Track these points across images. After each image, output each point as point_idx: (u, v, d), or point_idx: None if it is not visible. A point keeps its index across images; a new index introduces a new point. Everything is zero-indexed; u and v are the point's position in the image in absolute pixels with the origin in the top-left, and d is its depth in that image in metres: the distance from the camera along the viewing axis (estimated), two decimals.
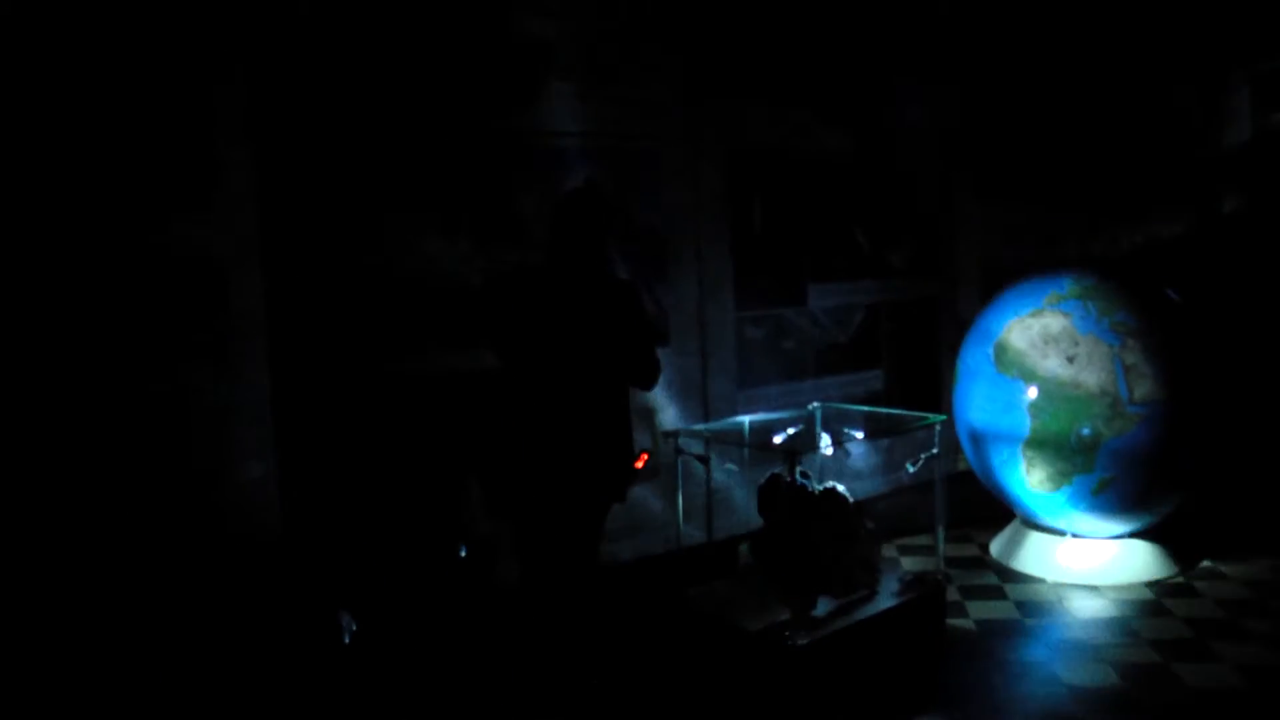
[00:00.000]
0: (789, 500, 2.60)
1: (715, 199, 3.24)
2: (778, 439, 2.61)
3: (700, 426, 2.91)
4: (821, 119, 3.40)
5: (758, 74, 3.26)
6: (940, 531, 2.74)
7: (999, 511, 3.43)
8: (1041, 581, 3.19)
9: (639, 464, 2.38)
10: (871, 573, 2.72)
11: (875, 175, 3.56)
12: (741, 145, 3.25)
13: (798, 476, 2.66)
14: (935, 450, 2.70)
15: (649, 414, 3.14)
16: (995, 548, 3.43)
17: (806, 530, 2.58)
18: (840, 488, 2.74)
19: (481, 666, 2.49)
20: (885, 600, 2.64)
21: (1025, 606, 3.02)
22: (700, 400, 3.27)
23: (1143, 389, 2.99)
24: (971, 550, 3.46)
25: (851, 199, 3.53)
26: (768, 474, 2.66)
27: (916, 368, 3.64)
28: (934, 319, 3.80)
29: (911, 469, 2.74)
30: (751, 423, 2.76)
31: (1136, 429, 2.98)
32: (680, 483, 2.65)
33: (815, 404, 2.88)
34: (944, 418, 2.69)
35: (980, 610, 3.00)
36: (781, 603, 2.56)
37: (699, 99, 3.14)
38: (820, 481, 2.73)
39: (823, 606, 2.59)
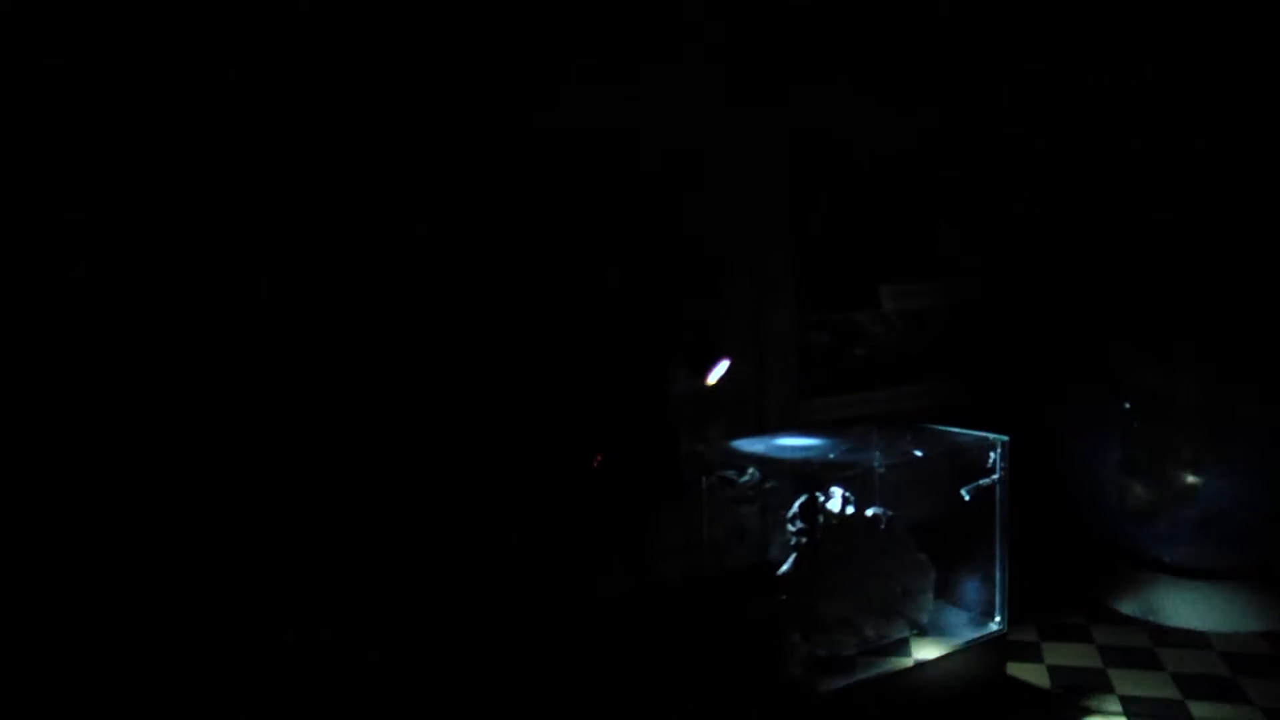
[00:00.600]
0: (822, 525, 2.35)
1: (773, 191, 2.99)
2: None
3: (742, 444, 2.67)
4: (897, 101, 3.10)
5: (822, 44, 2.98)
6: (999, 566, 2.43)
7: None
8: (1133, 621, 2.84)
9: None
10: (920, 609, 2.44)
11: (962, 164, 3.23)
12: (805, 128, 2.98)
13: (838, 499, 2.42)
14: (996, 476, 2.39)
15: (700, 423, 2.93)
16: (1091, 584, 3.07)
17: (838, 559, 2.33)
18: (887, 512, 2.47)
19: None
20: (934, 644, 2.37)
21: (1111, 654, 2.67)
22: (755, 410, 3.03)
23: None
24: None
25: (934, 190, 3.21)
26: (802, 496, 2.41)
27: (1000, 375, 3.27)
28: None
29: (966, 495, 2.44)
30: (784, 444, 2.53)
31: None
32: (705, 504, 2.45)
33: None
34: (1006, 437, 2.37)
35: (1058, 654, 2.65)
36: (806, 640, 2.32)
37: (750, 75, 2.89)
38: (872, 505, 2.47)
39: (857, 645, 2.35)
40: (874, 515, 2.44)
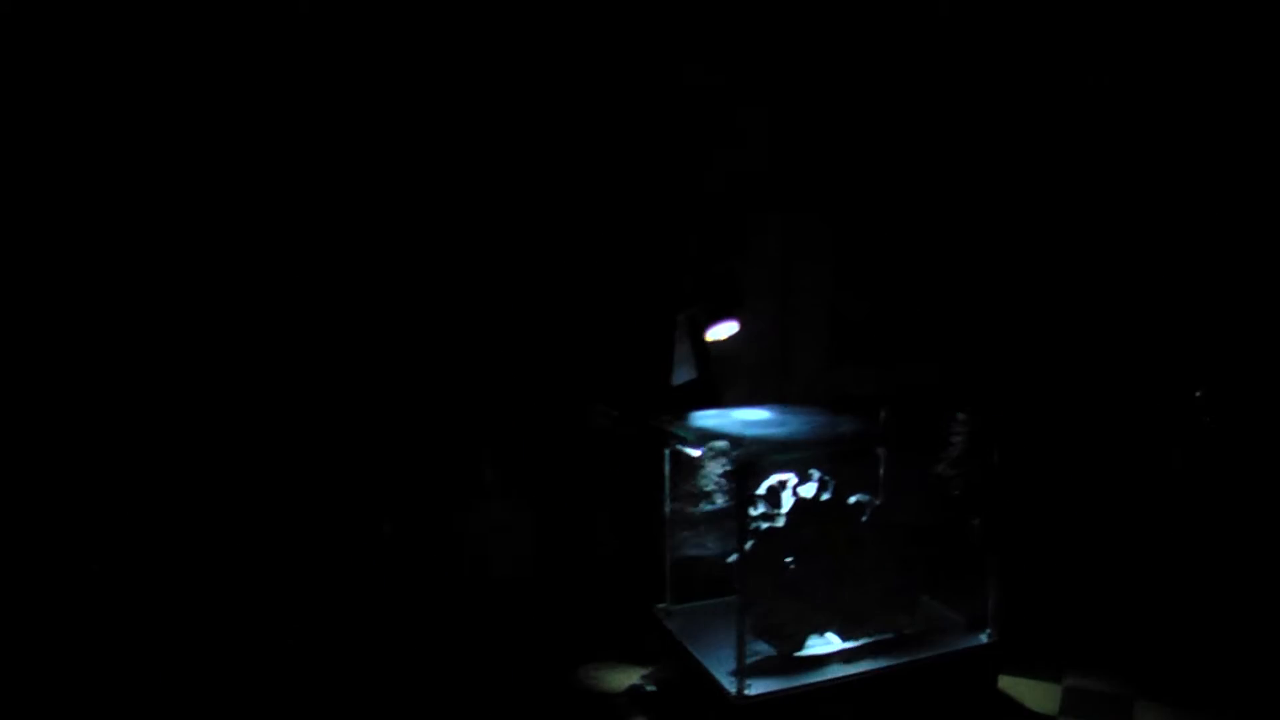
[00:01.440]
0: (790, 511, 2.14)
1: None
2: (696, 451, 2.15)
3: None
4: None
5: None
6: (992, 574, 2.14)
7: None
8: None
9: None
10: (902, 612, 2.19)
11: None
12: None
13: (813, 483, 2.19)
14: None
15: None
16: None
17: (805, 549, 2.12)
18: (873, 501, 2.22)
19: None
20: (914, 650, 2.12)
21: None
22: (779, 378, 2.80)
23: None
24: None
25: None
26: (770, 477, 2.20)
27: None
28: None
29: (944, 473, 2.15)
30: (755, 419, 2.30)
31: None
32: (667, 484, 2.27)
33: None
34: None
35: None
36: (755, 635, 2.13)
37: None
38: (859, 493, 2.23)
39: (823, 646, 2.13)
40: (855, 503, 2.21)
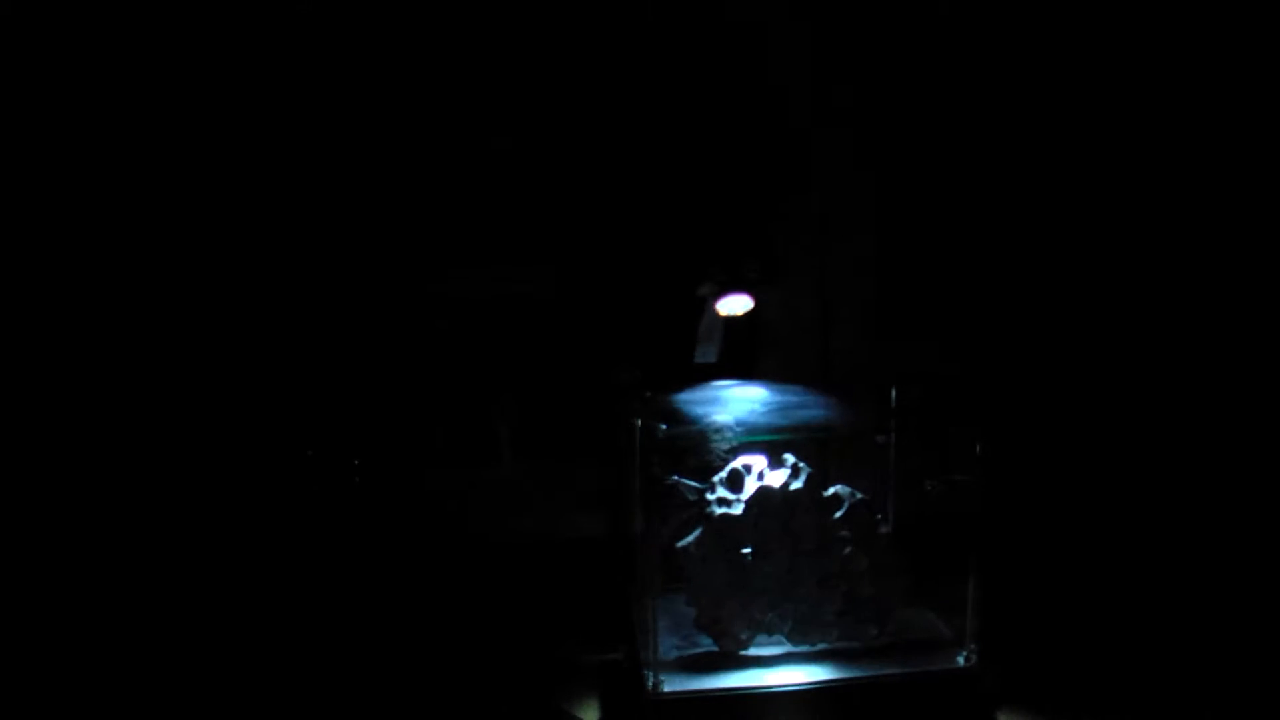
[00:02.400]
0: (751, 498, 1.94)
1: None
2: None
3: None
4: None
5: None
6: (974, 587, 1.84)
7: None
8: None
9: None
10: (872, 623, 1.95)
11: None
12: None
13: (784, 470, 1.98)
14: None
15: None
16: None
17: (765, 542, 1.92)
18: (854, 494, 1.98)
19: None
20: (875, 665, 1.88)
21: None
22: (818, 351, 2.54)
23: None
24: None
25: None
26: (734, 460, 2.00)
27: None
28: None
29: (933, 484, 1.87)
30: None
31: None
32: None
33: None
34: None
35: None
36: (699, 628, 1.95)
37: None
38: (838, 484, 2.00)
39: (775, 647, 1.93)
40: (834, 495, 1.97)
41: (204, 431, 2.34)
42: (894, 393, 2.13)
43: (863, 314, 2.51)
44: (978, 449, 1.79)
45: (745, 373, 2.40)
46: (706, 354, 2.43)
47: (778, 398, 2.14)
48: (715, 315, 2.45)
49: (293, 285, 2.39)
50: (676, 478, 1.88)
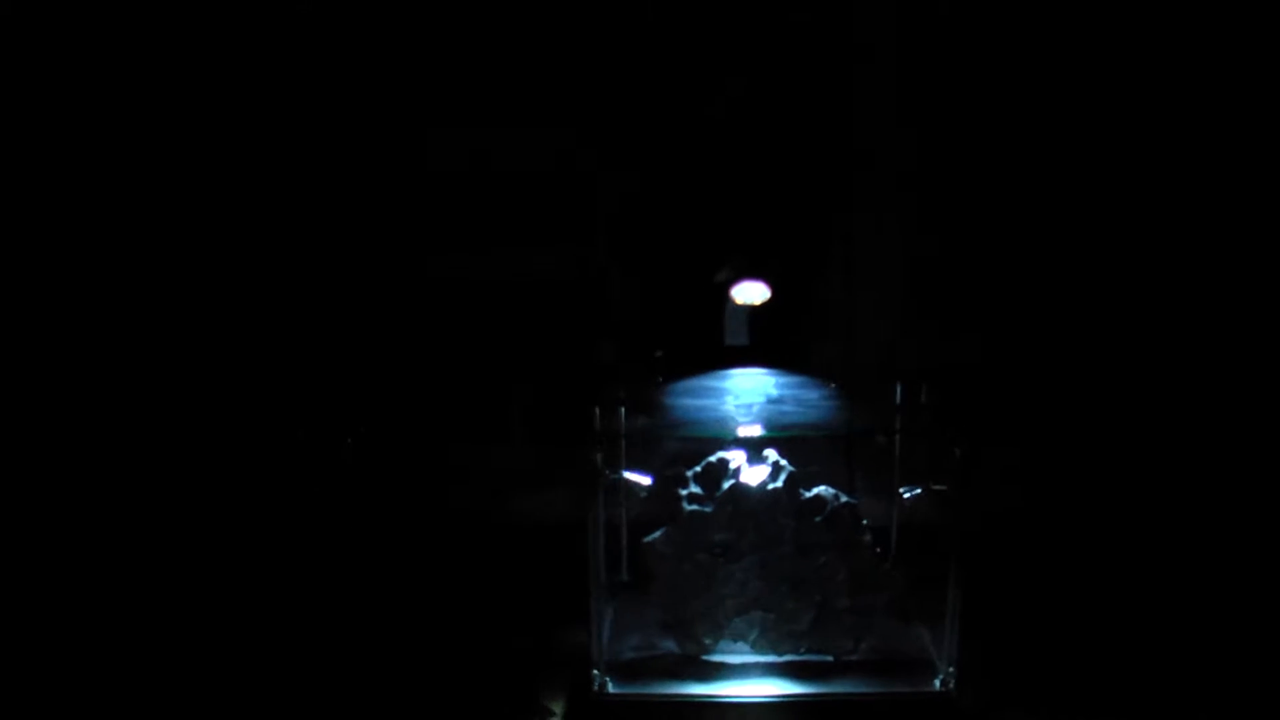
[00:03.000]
0: (722, 495, 1.82)
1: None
2: None
3: None
4: None
5: None
6: (952, 604, 1.67)
7: None
8: None
9: None
10: (847, 636, 1.80)
11: None
12: None
13: (764, 467, 1.85)
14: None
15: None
16: None
17: (734, 542, 1.79)
18: (839, 497, 1.83)
19: None
20: (842, 681, 1.74)
21: None
22: (843, 340, 2.38)
23: None
24: None
25: None
26: (715, 454, 1.87)
27: None
28: None
29: (908, 494, 1.71)
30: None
31: None
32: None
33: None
34: None
35: None
36: (662, 628, 1.85)
37: None
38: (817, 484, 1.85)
39: (740, 654, 1.81)
40: (816, 498, 1.83)
41: (199, 412, 2.37)
42: (899, 390, 1.99)
43: (887, 299, 2.36)
44: (957, 454, 1.62)
45: (772, 359, 2.28)
46: (737, 337, 2.32)
47: (786, 391, 2.03)
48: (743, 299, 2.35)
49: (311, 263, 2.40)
50: (625, 472, 1.78)
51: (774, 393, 2.03)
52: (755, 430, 1.83)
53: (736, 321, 2.37)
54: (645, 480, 1.80)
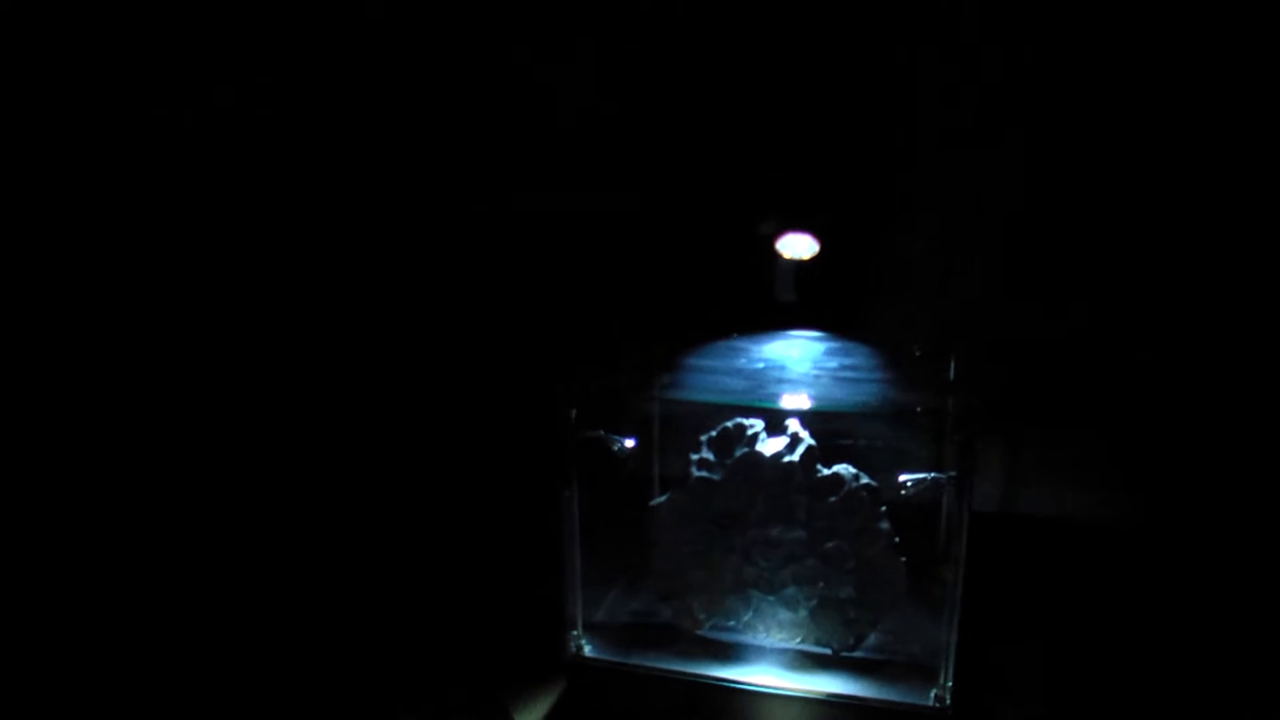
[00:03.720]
0: (733, 464, 1.67)
1: None
2: None
3: None
4: None
5: None
6: (949, 607, 1.45)
7: None
8: None
9: None
10: (848, 631, 1.63)
11: None
12: None
13: (782, 439, 1.69)
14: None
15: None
16: None
17: (740, 513, 1.65)
18: (859, 478, 1.65)
19: None
20: (834, 677, 1.58)
21: None
22: (933, 305, 2.12)
23: None
24: None
25: None
26: (731, 420, 1.72)
27: None
28: None
29: (910, 485, 1.48)
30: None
31: None
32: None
33: None
34: None
35: None
36: (659, 596, 1.74)
37: None
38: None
39: (731, 634, 1.68)
40: (833, 476, 1.66)
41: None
42: (952, 364, 1.77)
43: (986, 263, 2.09)
44: (960, 440, 1.41)
45: (826, 320, 2.10)
46: (786, 293, 2.14)
47: (828, 357, 1.85)
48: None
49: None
50: (602, 431, 1.68)
51: (811, 357, 1.85)
52: (774, 399, 1.68)
53: (785, 277, 2.18)
54: (629, 443, 1.70)
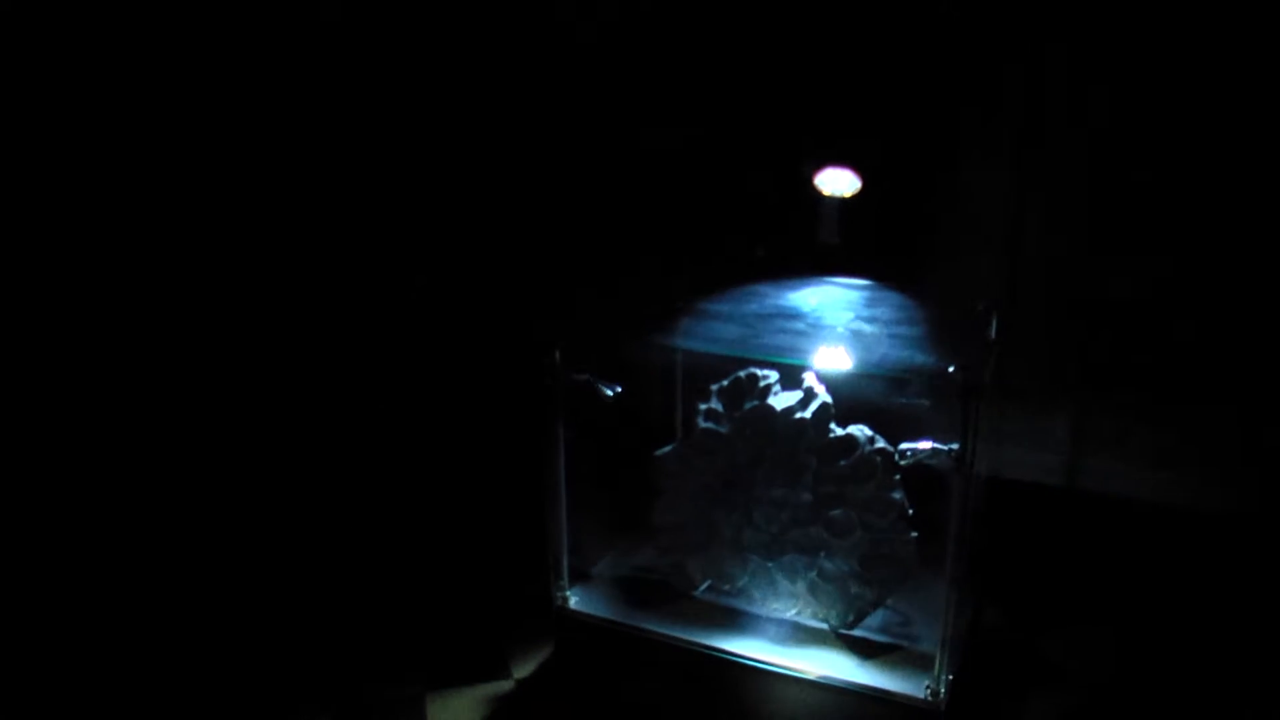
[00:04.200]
0: (742, 417, 1.54)
1: None
2: None
3: None
4: None
5: None
6: (949, 597, 1.29)
7: None
8: None
9: None
10: (848, 608, 1.49)
11: None
12: None
13: (795, 394, 1.54)
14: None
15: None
16: None
17: (745, 471, 1.53)
18: (875, 440, 1.49)
19: None
20: (825, 656, 1.45)
21: None
22: (1005, 258, 1.89)
23: None
24: None
25: None
26: (742, 372, 1.58)
27: None
28: None
29: (910, 455, 1.31)
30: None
31: None
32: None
33: None
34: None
35: None
36: (658, 553, 1.63)
37: None
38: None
39: (726, 599, 1.56)
40: (846, 437, 1.50)
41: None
42: (994, 321, 1.58)
43: (1069, 218, 1.85)
44: (973, 410, 1.24)
45: (873, 265, 1.91)
46: (830, 234, 1.96)
47: (849, 310, 1.67)
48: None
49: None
50: (589, 376, 1.56)
51: (837, 305, 1.67)
52: (781, 352, 1.53)
53: (829, 216, 1.99)
54: (614, 390, 1.58)
